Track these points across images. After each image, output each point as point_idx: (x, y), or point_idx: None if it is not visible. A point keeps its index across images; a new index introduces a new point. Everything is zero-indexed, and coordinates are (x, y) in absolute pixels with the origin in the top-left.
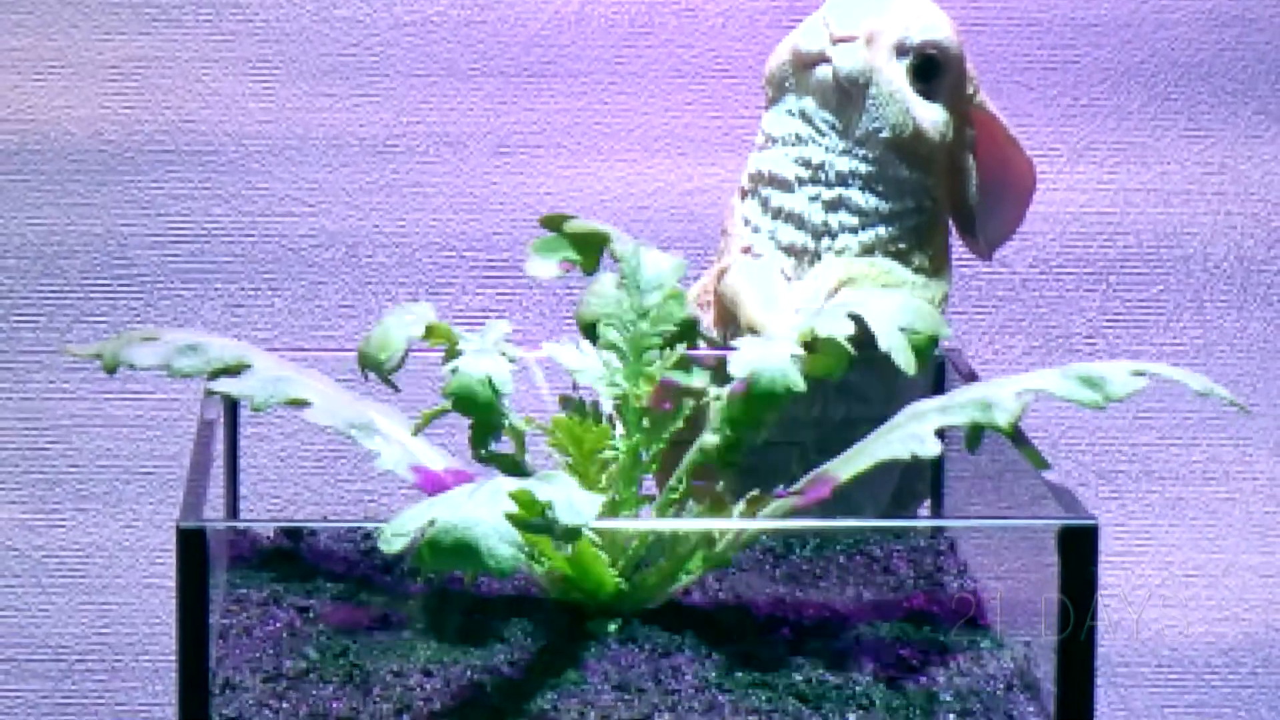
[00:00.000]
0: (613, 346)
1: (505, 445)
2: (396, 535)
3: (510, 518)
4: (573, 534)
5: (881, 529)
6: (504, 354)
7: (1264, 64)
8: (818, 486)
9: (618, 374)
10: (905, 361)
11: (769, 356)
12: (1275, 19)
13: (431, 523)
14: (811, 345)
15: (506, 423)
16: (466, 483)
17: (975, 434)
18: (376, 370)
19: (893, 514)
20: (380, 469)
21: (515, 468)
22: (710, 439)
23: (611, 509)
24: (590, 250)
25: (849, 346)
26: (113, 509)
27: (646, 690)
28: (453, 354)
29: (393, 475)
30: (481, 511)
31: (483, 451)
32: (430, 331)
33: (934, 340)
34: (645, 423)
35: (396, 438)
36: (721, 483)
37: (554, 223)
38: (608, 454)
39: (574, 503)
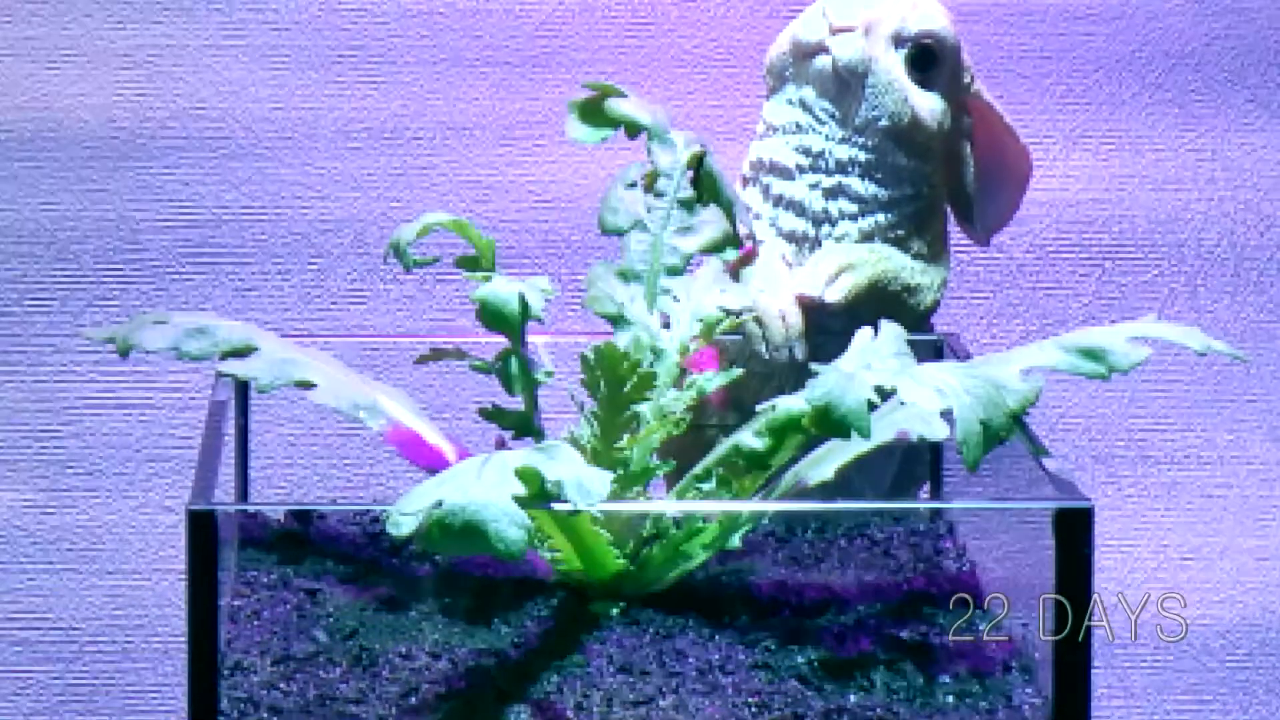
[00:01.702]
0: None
1: (516, 403)
2: (404, 516)
3: (518, 499)
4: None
5: (882, 512)
6: (549, 291)
7: (1254, 53)
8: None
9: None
10: (971, 456)
11: (848, 391)
12: (1265, 9)
13: (439, 504)
14: None
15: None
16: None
17: None
18: (399, 252)
19: (893, 498)
20: (373, 428)
21: (525, 426)
22: (751, 441)
23: (626, 481)
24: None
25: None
26: (124, 492)
27: (650, 672)
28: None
29: (400, 459)
30: (490, 493)
31: (492, 407)
32: (474, 260)
33: (1004, 437)
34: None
35: (403, 420)
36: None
37: (598, 91)
38: (639, 409)
39: (584, 482)
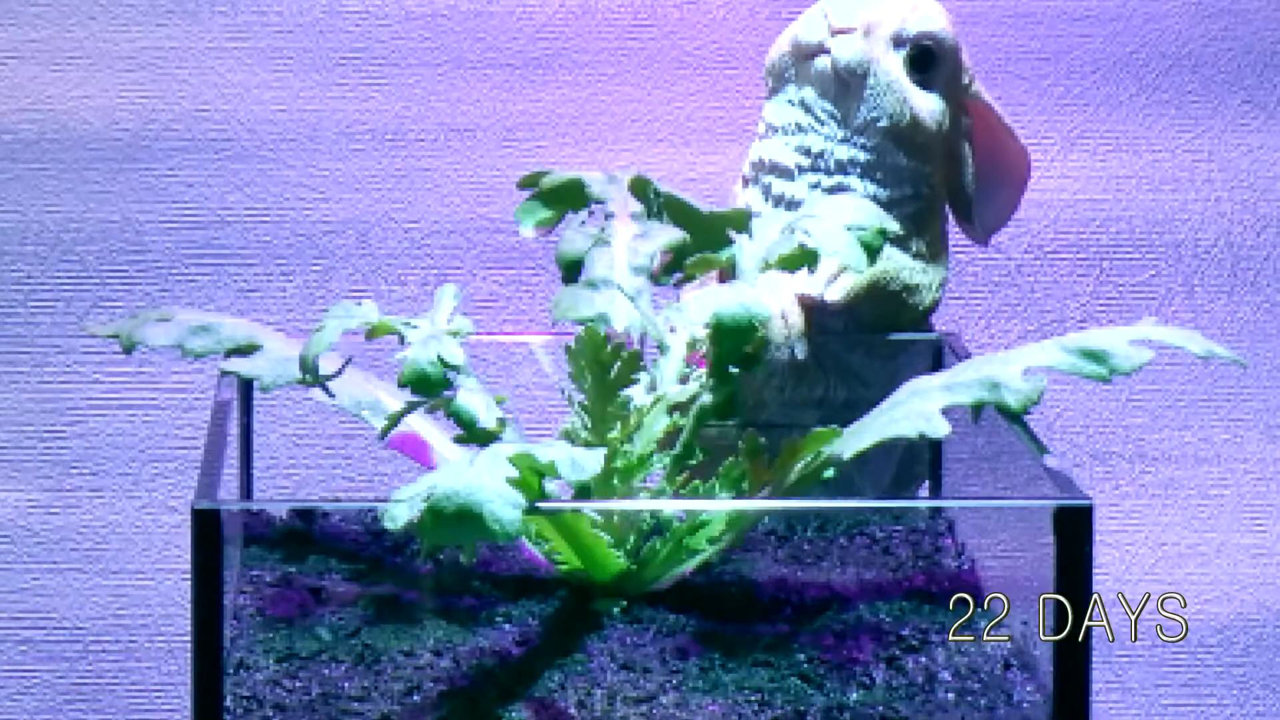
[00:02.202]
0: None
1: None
2: (397, 505)
3: (513, 482)
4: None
5: (882, 510)
6: (454, 331)
7: (1251, 55)
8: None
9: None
10: (856, 259)
11: (728, 295)
12: (1261, 11)
13: (433, 489)
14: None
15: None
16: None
17: (979, 409)
18: (311, 374)
19: (893, 496)
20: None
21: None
22: (706, 398)
23: (626, 472)
24: (573, 202)
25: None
26: (128, 492)
27: (652, 670)
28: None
29: (403, 459)
30: (483, 478)
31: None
32: (375, 330)
33: (883, 233)
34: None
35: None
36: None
37: (531, 182)
38: (631, 391)
39: (576, 460)
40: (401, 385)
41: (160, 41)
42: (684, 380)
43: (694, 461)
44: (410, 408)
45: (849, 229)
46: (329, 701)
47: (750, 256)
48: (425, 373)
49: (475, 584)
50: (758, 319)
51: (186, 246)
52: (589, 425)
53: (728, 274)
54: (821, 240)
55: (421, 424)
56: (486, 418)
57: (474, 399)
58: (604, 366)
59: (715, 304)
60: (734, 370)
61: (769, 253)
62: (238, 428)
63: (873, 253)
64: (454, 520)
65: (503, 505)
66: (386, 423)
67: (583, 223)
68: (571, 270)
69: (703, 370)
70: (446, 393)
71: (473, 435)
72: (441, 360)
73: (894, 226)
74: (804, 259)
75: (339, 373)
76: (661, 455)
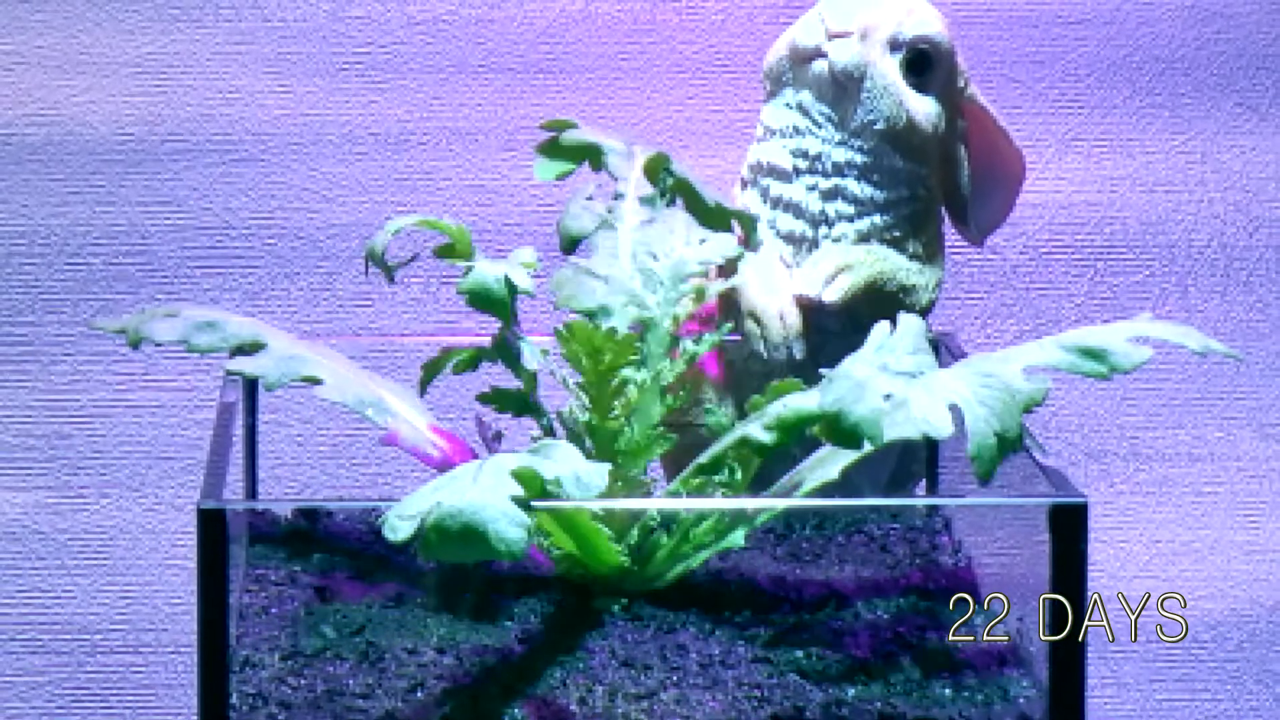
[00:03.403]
0: (648, 272)
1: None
2: (401, 520)
3: (516, 499)
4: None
5: (879, 508)
6: (527, 263)
7: (1243, 58)
8: None
9: (649, 299)
10: (983, 470)
11: (860, 399)
12: (1254, 14)
13: (436, 508)
14: None
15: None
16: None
17: None
18: (376, 260)
19: (890, 494)
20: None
21: (525, 405)
22: (761, 435)
23: (628, 457)
24: (591, 160)
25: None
26: (135, 493)
27: (652, 667)
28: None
29: (406, 458)
30: (487, 496)
31: (491, 390)
32: (454, 243)
33: (1016, 448)
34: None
35: (407, 416)
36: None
37: (556, 127)
38: (628, 374)
39: (581, 476)
40: (460, 292)
41: (166, 48)
42: (673, 345)
43: (719, 478)
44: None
45: (996, 435)
46: (333, 699)
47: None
48: (489, 288)
49: (477, 582)
50: (872, 441)
51: (192, 250)
52: (589, 406)
53: (725, 303)
54: (968, 426)
55: (418, 419)
56: (529, 361)
57: (520, 344)
58: (598, 351)
59: (846, 402)
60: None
61: (906, 397)
62: (243, 428)
63: (1000, 460)
64: (458, 539)
65: (508, 525)
66: (424, 375)
67: (589, 197)
68: (571, 245)
69: (688, 340)
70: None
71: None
72: (508, 280)
73: (1040, 388)
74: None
75: (411, 259)
76: (662, 440)
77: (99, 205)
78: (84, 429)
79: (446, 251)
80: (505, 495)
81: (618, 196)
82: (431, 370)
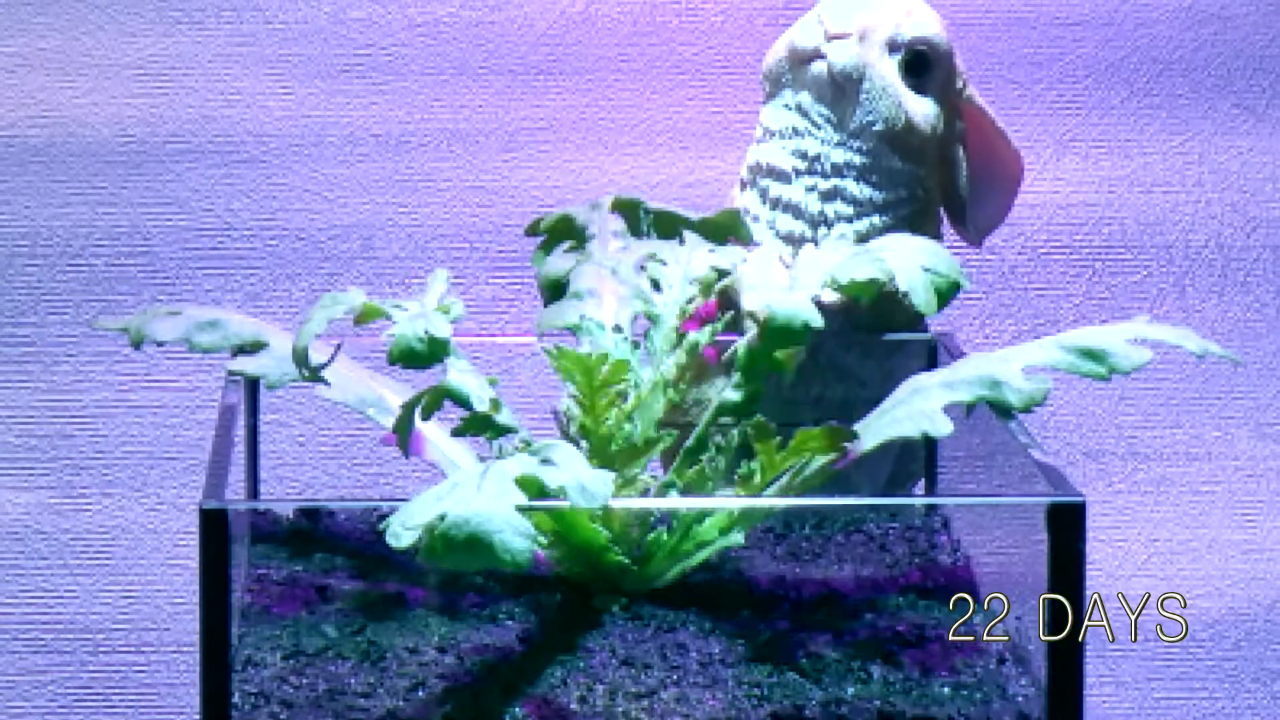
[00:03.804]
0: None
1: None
2: (405, 529)
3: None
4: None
5: (878, 507)
6: (444, 310)
7: (1240, 59)
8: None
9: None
10: (925, 301)
11: (786, 297)
12: (1251, 16)
13: (441, 518)
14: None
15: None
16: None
17: (973, 405)
18: (303, 366)
19: (889, 494)
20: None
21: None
22: (731, 394)
23: (631, 452)
24: (564, 236)
25: (877, 281)
26: (137, 493)
27: (652, 665)
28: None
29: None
30: (493, 505)
31: (462, 422)
32: (363, 315)
33: (955, 285)
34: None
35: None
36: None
37: (534, 230)
38: (624, 386)
39: (586, 485)
40: (391, 362)
41: (167, 50)
42: (679, 342)
43: (705, 456)
44: (410, 407)
45: (925, 269)
46: (335, 697)
47: (813, 268)
48: (412, 348)
49: (478, 581)
50: (810, 326)
51: (194, 252)
52: (585, 407)
53: (724, 300)
54: (899, 273)
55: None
56: (480, 396)
57: (466, 379)
58: (591, 370)
59: (772, 301)
60: (761, 370)
61: (838, 271)
62: (245, 428)
63: (943, 302)
64: (464, 548)
65: (513, 535)
66: (398, 427)
67: (565, 249)
68: (554, 292)
69: (691, 334)
70: (438, 372)
71: (471, 422)
72: (429, 336)
73: (967, 284)
74: (871, 287)
75: (329, 363)
76: (663, 435)
77: (101, 206)
78: (86, 429)
79: (362, 319)
80: (510, 504)
81: (590, 238)
82: (404, 426)
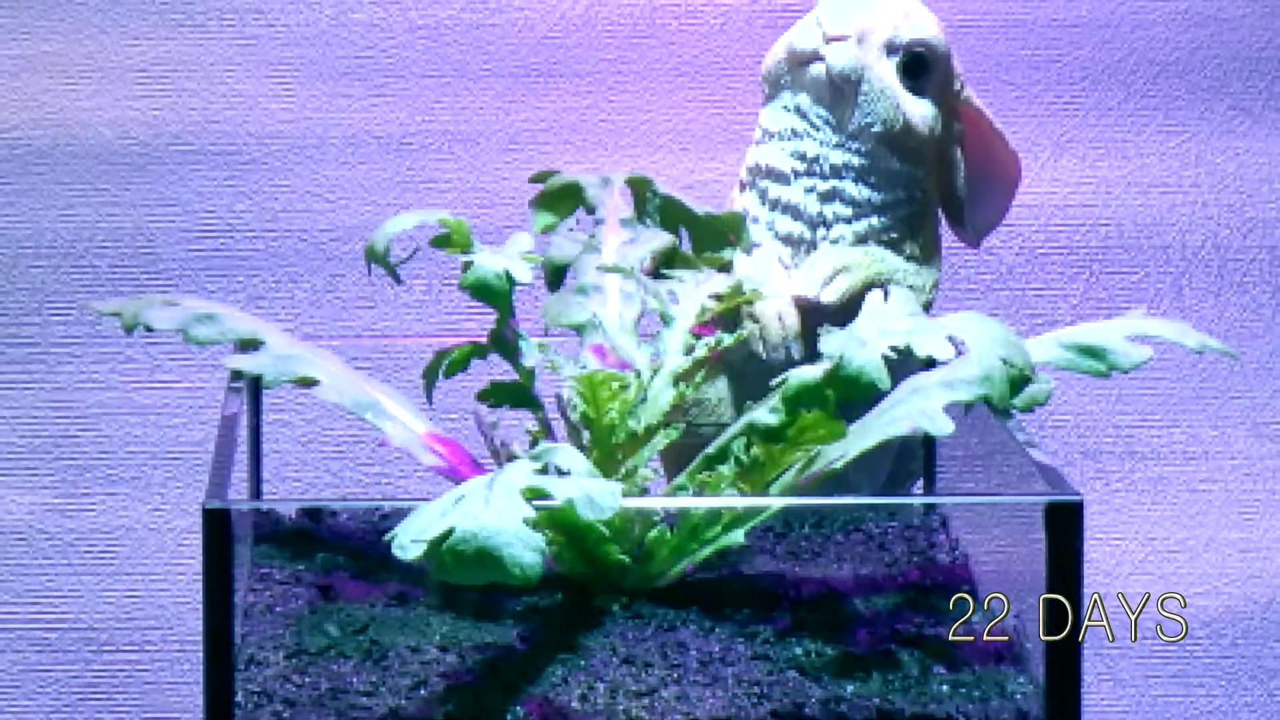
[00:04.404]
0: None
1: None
2: (413, 542)
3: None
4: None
5: (877, 507)
6: (527, 255)
7: (1237, 61)
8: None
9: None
10: (998, 393)
11: (863, 348)
12: (1247, 18)
13: (449, 531)
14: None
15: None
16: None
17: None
18: (378, 260)
19: (888, 493)
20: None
21: (523, 397)
22: (766, 418)
23: (632, 443)
24: (568, 203)
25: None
26: (140, 493)
27: (653, 664)
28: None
29: (409, 458)
30: (502, 519)
31: (489, 385)
32: (447, 238)
33: (1026, 378)
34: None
35: (405, 420)
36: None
37: (541, 179)
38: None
39: (594, 498)
40: (462, 287)
41: (170, 54)
42: (689, 351)
43: (722, 467)
44: (440, 356)
45: (1002, 359)
46: (337, 696)
47: (879, 322)
48: (488, 282)
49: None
50: (877, 387)
51: (197, 254)
52: (586, 399)
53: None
54: (978, 360)
55: (415, 423)
56: (528, 358)
57: (513, 331)
58: (597, 387)
59: (848, 350)
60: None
61: (912, 338)
62: (247, 428)
63: (1014, 394)
64: (473, 562)
65: (523, 549)
66: (426, 373)
67: (570, 229)
68: (557, 275)
69: (709, 338)
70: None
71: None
72: (508, 273)
73: (1046, 384)
74: (933, 359)
75: (413, 254)
76: (667, 431)
77: (104, 208)
78: (90, 430)
79: (443, 242)
80: (518, 518)
81: (598, 222)
82: (432, 375)
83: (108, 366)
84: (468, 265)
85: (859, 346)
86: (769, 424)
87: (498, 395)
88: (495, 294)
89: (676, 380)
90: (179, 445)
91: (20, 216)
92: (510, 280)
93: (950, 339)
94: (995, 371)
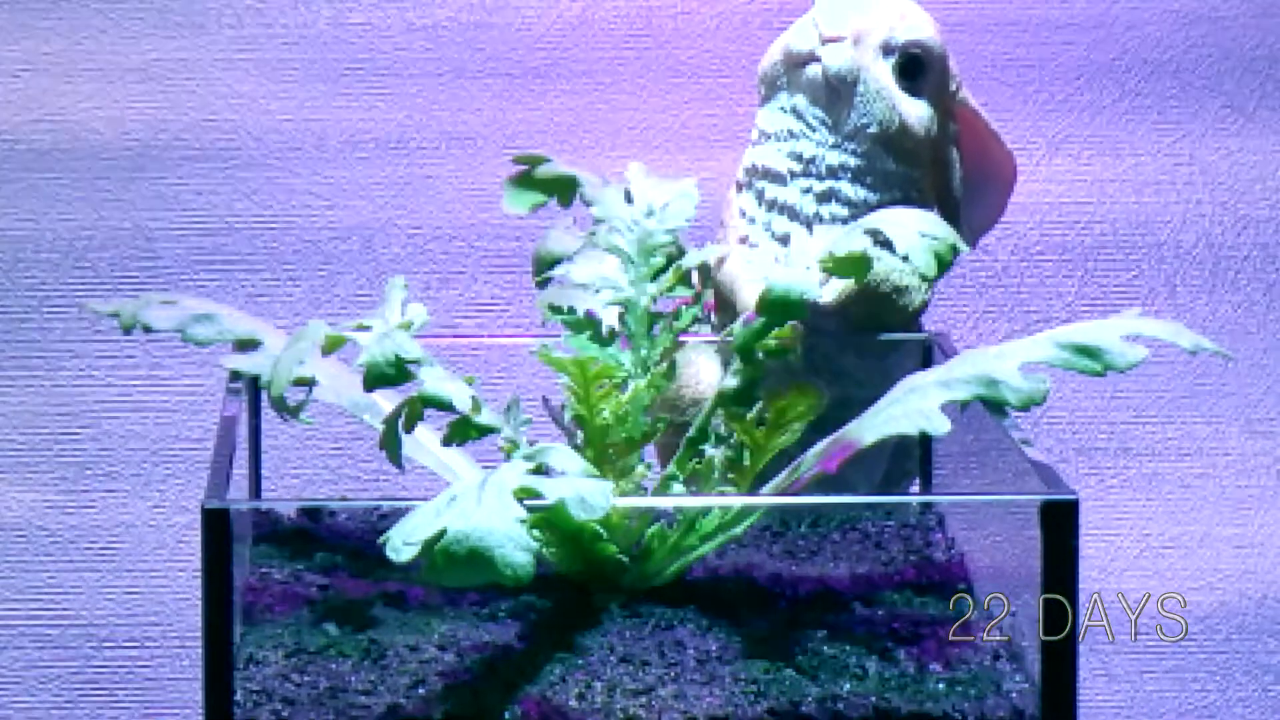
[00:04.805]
0: (616, 250)
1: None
2: (406, 544)
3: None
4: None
5: (874, 505)
6: (405, 325)
7: (1230, 60)
8: (825, 460)
9: (622, 280)
10: (926, 263)
11: (783, 271)
12: (1240, 17)
13: (441, 533)
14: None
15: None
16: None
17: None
18: (283, 410)
19: (884, 492)
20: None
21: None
22: (730, 381)
23: (627, 443)
24: (561, 194)
25: (870, 257)
26: (140, 491)
27: (650, 663)
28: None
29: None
30: (494, 520)
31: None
32: (328, 345)
33: (954, 249)
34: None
35: None
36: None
37: (528, 162)
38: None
39: (586, 498)
40: (368, 389)
41: (169, 54)
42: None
43: (706, 445)
44: (393, 422)
45: (923, 235)
46: (336, 695)
47: (803, 252)
48: (384, 373)
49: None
50: (809, 298)
51: (196, 253)
52: (579, 397)
53: (721, 302)
54: (898, 240)
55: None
56: (460, 398)
57: (444, 385)
58: (584, 365)
59: (769, 275)
60: (760, 356)
61: (835, 246)
62: (246, 428)
63: (943, 265)
64: (466, 564)
65: (515, 550)
66: (385, 443)
67: (567, 226)
68: (546, 269)
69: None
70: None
71: (456, 428)
72: (398, 358)
73: (964, 247)
74: (865, 262)
75: (306, 399)
76: (658, 424)
77: (104, 208)
78: (90, 428)
79: (330, 349)
80: (511, 518)
81: (598, 221)
82: (392, 439)
83: (108, 365)
84: (359, 366)
85: (780, 270)
86: (735, 386)
87: (457, 433)
88: (397, 379)
89: (647, 369)
90: (179, 444)
91: (20, 216)
92: (401, 362)
93: (868, 232)
94: (917, 247)
